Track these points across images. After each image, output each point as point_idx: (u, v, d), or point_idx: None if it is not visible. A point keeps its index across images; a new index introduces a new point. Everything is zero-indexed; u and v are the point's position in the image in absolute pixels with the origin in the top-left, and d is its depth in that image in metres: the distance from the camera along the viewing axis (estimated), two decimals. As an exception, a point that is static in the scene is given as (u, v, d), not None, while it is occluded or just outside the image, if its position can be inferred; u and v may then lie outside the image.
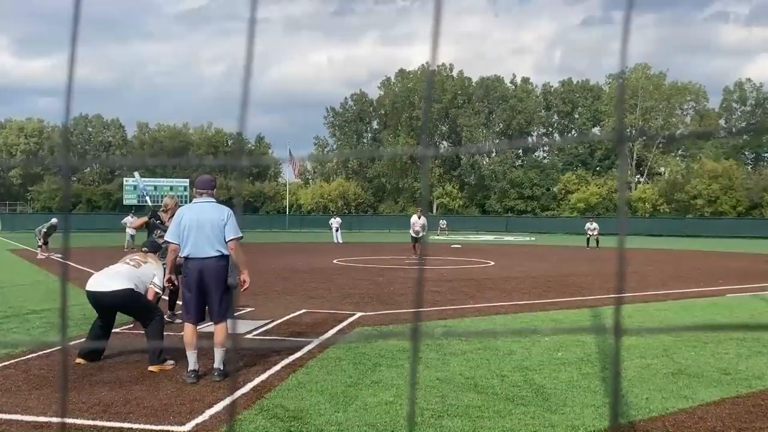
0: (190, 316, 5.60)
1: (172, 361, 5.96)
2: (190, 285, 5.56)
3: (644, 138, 59.44)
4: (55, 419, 4.39)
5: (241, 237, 5.69)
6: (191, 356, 5.51)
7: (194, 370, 5.46)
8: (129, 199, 55.56)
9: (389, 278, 14.55)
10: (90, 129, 76.38)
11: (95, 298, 6.09)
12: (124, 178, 59.14)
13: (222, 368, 5.53)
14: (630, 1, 0.80)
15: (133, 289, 6.03)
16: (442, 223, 47.55)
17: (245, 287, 5.67)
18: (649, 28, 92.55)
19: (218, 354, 5.58)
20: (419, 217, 21.22)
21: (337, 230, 32.97)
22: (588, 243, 30.23)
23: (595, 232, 30.37)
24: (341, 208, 65.13)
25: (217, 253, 5.53)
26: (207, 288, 5.54)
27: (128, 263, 6.36)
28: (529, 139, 70.34)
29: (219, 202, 5.92)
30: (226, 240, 5.56)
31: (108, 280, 6.09)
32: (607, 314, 9.38)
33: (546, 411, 4.71)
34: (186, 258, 5.59)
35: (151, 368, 5.82)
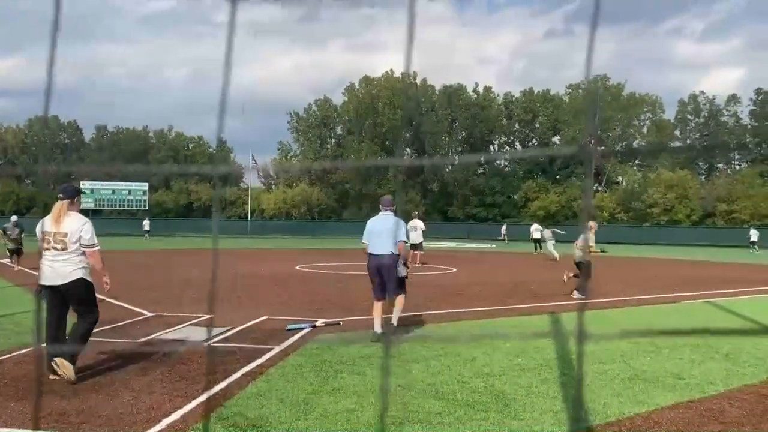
0: (376, 295, 7.87)
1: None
2: (372, 274, 7.90)
3: (603, 148, 60.69)
4: (15, 430, 4.25)
5: (406, 241, 7.97)
6: (377, 321, 7.75)
7: (376, 332, 7.64)
8: (85, 203, 54.30)
9: (352, 285, 14.50)
10: (46, 131, 74.40)
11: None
12: (81, 182, 57.77)
13: (380, 331, 7.58)
14: (594, 20, 0.81)
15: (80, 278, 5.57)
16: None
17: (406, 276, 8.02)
18: (609, 40, 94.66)
19: (388, 320, 7.68)
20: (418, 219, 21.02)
21: None
22: (535, 249, 30.85)
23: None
24: (304, 214, 64.76)
25: (389, 252, 7.75)
26: (384, 276, 7.76)
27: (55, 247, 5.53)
28: (519, 148, 71.08)
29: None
30: (396, 242, 7.74)
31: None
32: (567, 320, 9.52)
33: (506, 417, 4.74)
34: (369, 254, 7.89)
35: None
